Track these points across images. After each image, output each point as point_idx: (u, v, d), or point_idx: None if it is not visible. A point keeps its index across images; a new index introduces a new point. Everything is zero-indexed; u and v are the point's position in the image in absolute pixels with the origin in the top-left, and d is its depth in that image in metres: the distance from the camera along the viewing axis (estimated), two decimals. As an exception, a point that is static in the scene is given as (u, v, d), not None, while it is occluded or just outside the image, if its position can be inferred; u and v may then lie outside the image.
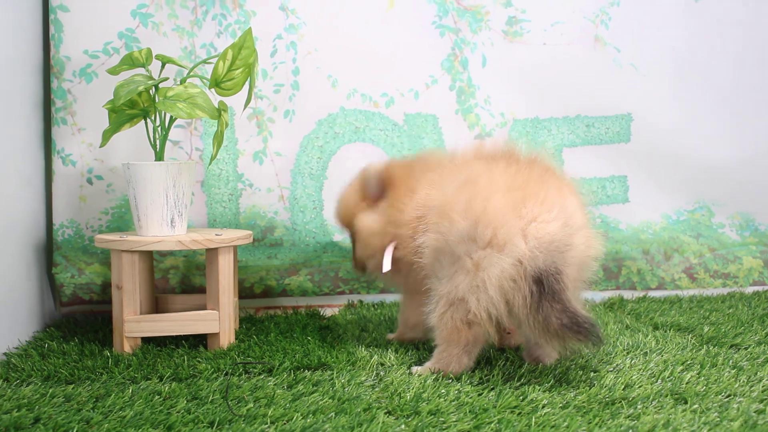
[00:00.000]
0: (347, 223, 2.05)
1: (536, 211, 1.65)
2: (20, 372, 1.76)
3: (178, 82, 2.10)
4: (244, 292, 2.42)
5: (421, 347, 1.99)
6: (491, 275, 1.64)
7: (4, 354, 1.93)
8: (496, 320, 1.69)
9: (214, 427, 1.42)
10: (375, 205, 1.97)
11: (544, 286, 1.60)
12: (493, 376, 1.72)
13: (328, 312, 2.46)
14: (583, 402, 1.55)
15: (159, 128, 2.07)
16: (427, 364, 1.77)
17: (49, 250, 2.35)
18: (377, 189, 1.97)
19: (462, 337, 1.71)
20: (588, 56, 2.58)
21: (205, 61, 2.11)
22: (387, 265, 1.92)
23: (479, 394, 1.59)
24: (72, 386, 1.67)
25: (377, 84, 2.46)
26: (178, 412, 1.49)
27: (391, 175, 1.95)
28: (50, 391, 1.62)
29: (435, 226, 1.73)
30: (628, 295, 2.64)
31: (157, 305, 2.25)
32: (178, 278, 2.38)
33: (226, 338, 2.02)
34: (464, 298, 1.68)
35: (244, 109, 2.17)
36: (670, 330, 2.17)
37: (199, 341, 2.06)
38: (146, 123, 2.09)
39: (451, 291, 1.69)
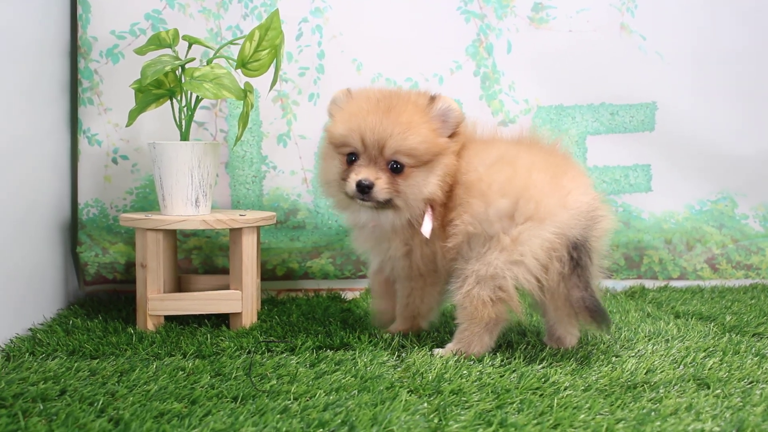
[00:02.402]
0: (423, 150, 1.76)
1: (571, 185, 1.72)
2: (46, 346, 1.78)
3: (205, 63, 2.11)
4: (267, 274, 2.43)
5: (442, 330, 1.99)
6: (533, 246, 1.67)
7: (29, 329, 1.96)
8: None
9: (238, 402, 1.43)
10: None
11: (578, 256, 1.66)
12: (514, 358, 1.72)
13: (349, 295, 2.46)
14: (605, 385, 1.55)
15: (185, 108, 2.08)
16: (449, 346, 1.78)
17: (73, 229, 2.36)
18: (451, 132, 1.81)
19: (485, 314, 1.71)
20: (613, 44, 2.56)
21: (231, 42, 2.12)
22: (428, 230, 1.79)
23: (501, 376, 1.59)
24: (96, 361, 1.69)
25: (402, 69, 2.46)
26: (201, 387, 1.51)
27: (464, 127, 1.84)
28: (75, 365, 1.64)
29: (467, 206, 1.73)
30: (649, 284, 2.63)
31: (179, 285, 2.26)
32: (201, 259, 2.39)
33: (249, 318, 2.03)
34: (495, 275, 1.69)
35: (270, 89, 2.18)
36: (691, 318, 2.17)
37: (221, 321, 2.07)
38: (172, 103, 2.10)
39: (480, 269, 1.71)
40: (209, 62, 2.05)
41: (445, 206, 1.79)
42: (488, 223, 1.70)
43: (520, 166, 1.73)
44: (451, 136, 1.80)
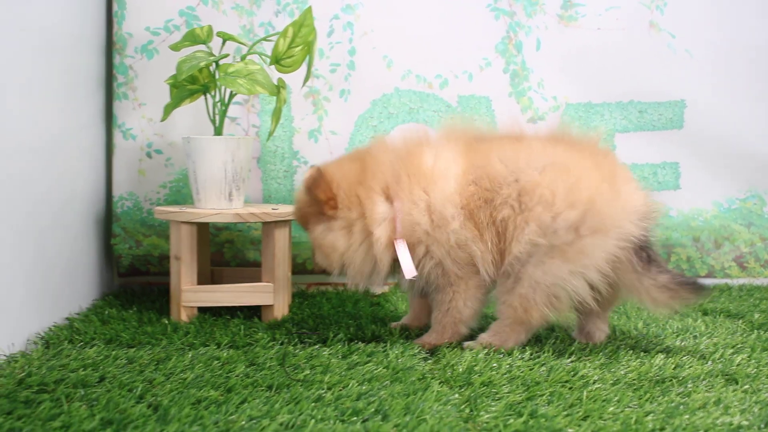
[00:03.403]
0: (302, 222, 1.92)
1: (626, 188, 1.75)
2: (83, 335, 1.82)
3: (238, 59, 2.14)
4: (297, 268, 2.46)
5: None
6: (596, 259, 1.70)
7: (66, 318, 2.00)
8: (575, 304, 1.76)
9: (273, 391, 1.46)
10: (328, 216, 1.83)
11: (647, 253, 1.71)
12: (544, 352, 1.74)
13: (378, 289, 2.49)
14: (634, 379, 1.57)
15: (218, 104, 2.12)
16: (483, 336, 1.79)
17: (108, 222, 2.41)
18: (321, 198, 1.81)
19: (533, 317, 1.73)
20: (642, 42, 2.57)
21: (265, 39, 2.15)
22: (410, 272, 1.76)
23: (531, 369, 1.61)
24: (133, 350, 1.73)
25: (432, 65, 2.49)
26: (237, 376, 1.54)
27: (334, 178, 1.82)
28: (113, 353, 1.68)
29: (531, 214, 1.71)
30: (676, 281, 2.63)
31: (212, 277, 2.30)
32: (233, 252, 2.43)
33: (281, 310, 2.06)
34: (555, 284, 1.71)
35: (303, 85, 2.21)
36: (719, 316, 2.18)
37: (253, 313, 2.11)
38: (206, 98, 2.14)
39: (538, 275, 1.71)
40: (243, 58, 2.08)
41: (490, 204, 1.74)
42: (555, 235, 1.70)
43: (581, 173, 1.72)
44: (326, 201, 1.80)
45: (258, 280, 2.11)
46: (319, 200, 1.79)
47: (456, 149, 1.80)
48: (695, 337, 1.91)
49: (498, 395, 1.46)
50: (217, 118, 2.12)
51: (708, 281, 2.63)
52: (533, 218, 1.71)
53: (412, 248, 1.77)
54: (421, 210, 1.76)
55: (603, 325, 1.88)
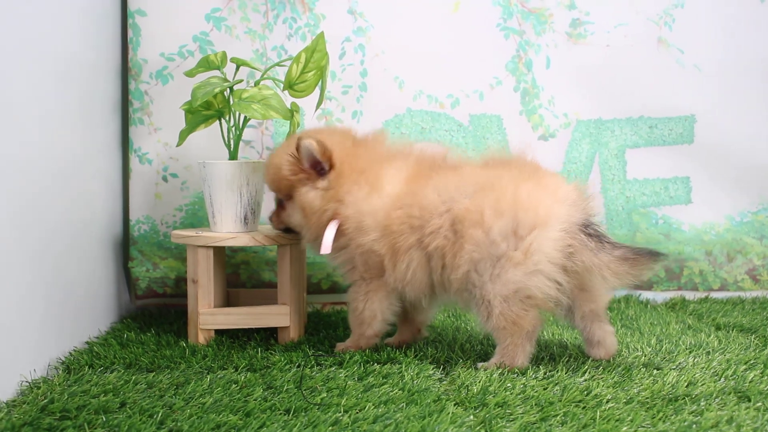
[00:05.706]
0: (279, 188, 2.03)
1: (552, 180, 1.82)
2: (103, 359, 1.85)
3: (251, 84, 2.17)
4: (312, 288, 2.49)
5: (485, 343, 2.03)
6: (546, 250, 1.74)
7: (86, 342, 2.03)
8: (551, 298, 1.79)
9: (291, 414, 1.48)
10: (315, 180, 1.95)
11: (593, 230, 1.75)
12: (557, 371, 1.76)
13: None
14: (647, 398, 1.59)
15: (233, 128, 2.15)
16: (493, 360, 1.81)
17: (125, 245, 2.44)
18: (310, 163, 1.93)
19: (525, 325, 1.77)
20: (651, 58, 2.60)
21: (278, 64, 2.18)
22: (326, 248, 1.89)
23: (544, 389, 1.63)
24: (153, 374, 1.76)
25: (443, 85, 2.52)
26: (255, 400, 1.56)
27: (333, 152, 1.93)
28: (133, 378, 1.71)
29: (467, 238, 1.77)
30: (690, 295, 2.65)
31: (228, 299, 2.33)
32: (248, 273, 2.46)
33: (296, 332, 2.09)
34: (519, 290, 1.75)
35: (316, 110, 2.24)
36: (732, 330, 2.19)
37: (270, 334, 2.13)
38: (221, 123, 2.17)
39: (501, 290, 1.76)
40: (257, 84, 2.11)
41: (418, 230, 1.83)
42: (494, 245, 1.75)
43: (503, 184, 1.78)
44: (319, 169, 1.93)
45: (274, 301, 2.14)
46: (320, 166, 1.92)
47: (404, 172, 1.92)
48: (708, 353, 1.93)
49: (512, 416, 1.48)
50: (232, 142, 2.15)
51: (721, 294, 2.65)
52: (468, 240, 1.78)
53: (339, 236, 1.90)
54: (353, 210, 1.89)
55: (606, 326, 1.90)
